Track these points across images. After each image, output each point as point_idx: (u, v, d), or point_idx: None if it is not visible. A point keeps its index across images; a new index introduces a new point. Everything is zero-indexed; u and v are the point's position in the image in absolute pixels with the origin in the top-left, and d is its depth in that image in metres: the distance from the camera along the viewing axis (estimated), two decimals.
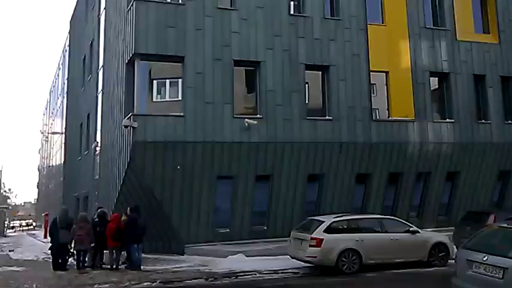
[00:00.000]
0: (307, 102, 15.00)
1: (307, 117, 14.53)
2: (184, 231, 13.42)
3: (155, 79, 14.70)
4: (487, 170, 16.75)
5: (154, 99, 14.76)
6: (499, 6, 17.65)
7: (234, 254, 12.39)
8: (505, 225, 6.52)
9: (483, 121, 16.81)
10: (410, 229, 11.19)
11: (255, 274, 10.55)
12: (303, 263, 10.84)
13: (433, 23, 16.84)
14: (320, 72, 15.18)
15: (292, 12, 15.05)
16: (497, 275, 5.68)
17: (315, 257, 10.27)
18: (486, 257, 5.90)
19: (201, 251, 12.97)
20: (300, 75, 14.64)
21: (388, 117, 15.81)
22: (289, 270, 10.86)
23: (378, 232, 11.04)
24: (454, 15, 16.89)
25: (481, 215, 12.49)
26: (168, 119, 13.17)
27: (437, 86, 16.83)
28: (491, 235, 6.77)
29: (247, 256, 12.25)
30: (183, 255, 13.06)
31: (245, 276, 10.38)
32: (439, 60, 16.48)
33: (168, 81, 15.02)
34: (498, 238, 6.48)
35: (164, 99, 15.16)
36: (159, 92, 15.23)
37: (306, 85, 15.03)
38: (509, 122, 17.14)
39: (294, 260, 11.01)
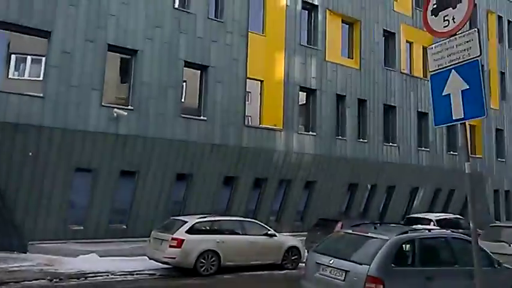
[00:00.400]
0: (183, 100, 14.72)
1: (182, 115, 14.26)
2: (29, 226, 11.94)
3: (14, 53, 12.90)
4: (339, 182, 18.51)
5: (10, 76, 12.92)
6: (363, 36, 19.76)
7: (87, 253, 11.46)
8: (350, 231, 7.16)
9: (340, 137, 18.54)
10: (269, 232, 11.69)
11: (107, 275, 9.88)
12: (161, 265, 10.51)
13: (307, 41, 18.07)
14: (199, 72, 15.07)
15: (176, 6, 14.68)
16: (340, 277, 6.17)
17: (174, 257, 10.04)
18: (332, 260, 6.36)
19: (48, 249, 11.69)
20: (178, 71, 14.31)
21: (259, 124, 16.41)
22: (146, 272, 10.43)
23: (239, 234, 11.29)
24: (325, 37, 18.37)
25: (331, 222, 13.65)
26: (23, 99, 11.64)
27: (305, 101, 18.07)
28: (337, 240, 7.37)
29: (100, 256, 11.43)
30: (25, 253, 11.61)
31: (96, 278, 9.64)
32: (308, 76, 17.72)
33: (29, 57, 13.32)
34: (343, 243, 7.08)
35: (23, 77, 13.39)
36: (17, 69, 13.40)
37: (184, 83, 14.76)
38: (361, 140, 19.22)
39: (152, 261, 10.61)
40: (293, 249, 11.85)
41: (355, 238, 6.85)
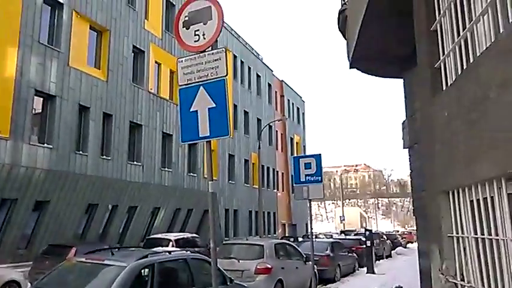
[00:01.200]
0: None
1: None
2: None
3: None
4: (77, 202, 16.75)
5: None
6: (112, 47, 18.90)
7: None
8: (83, 259, 6.18)
9: (81, 152, 16.92)
10: None
11: None
12: None
13: (47, 41, 15.96)
14: None
15: None
16: None
17: None
18: None
19: None
20: None
21: None
22: None
23: None
24: (70, 40, 16.66)
25: (63, 248, 11.97)
26: None
27: (41, 107, 15.75)
28: (67, 271, 6.25)
29: None
30: None
31: None
32: (47, 80, 15.61)
33: None
34: (74, 274, 6.05)
35: None
36: None
37: None
38: (104, 157, 18.06)
39: None
40: (11, 285, 9.76)
41: (89, 267, 5.92)
